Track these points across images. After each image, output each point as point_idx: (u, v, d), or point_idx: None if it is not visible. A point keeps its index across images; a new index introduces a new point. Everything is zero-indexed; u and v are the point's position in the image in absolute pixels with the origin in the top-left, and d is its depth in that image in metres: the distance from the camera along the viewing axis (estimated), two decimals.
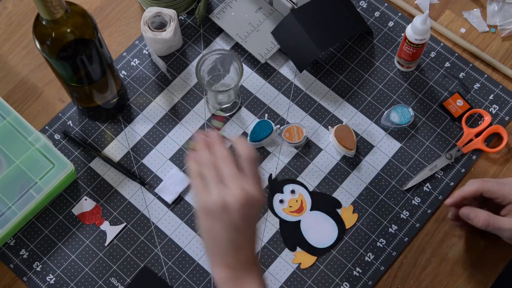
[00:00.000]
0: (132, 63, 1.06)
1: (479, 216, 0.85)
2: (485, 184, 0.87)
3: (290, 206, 0.97)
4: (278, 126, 1.01)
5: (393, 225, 0.96)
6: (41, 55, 0.94)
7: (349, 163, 1.00)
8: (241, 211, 0.68)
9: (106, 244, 0.96)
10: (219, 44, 1.07)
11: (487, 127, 1.00)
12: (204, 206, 0.70)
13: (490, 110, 1.03)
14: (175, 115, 1.03)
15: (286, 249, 0.95)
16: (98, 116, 1.02)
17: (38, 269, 0.95)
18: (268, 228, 0.96)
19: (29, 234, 0.96)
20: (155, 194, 0.98)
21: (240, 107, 1.03)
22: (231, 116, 1.03)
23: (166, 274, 0.94)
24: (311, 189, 0.98)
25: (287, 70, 1.06)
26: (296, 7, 1.03)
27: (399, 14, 1.09)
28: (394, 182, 0.99)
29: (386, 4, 1.10)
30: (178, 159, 1.00)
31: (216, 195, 0.69)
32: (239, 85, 1.04)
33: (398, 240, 0.96)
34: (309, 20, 1.02)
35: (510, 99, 1.03)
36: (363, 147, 1.01)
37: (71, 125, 1.02)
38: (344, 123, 1.01)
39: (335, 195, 0.98)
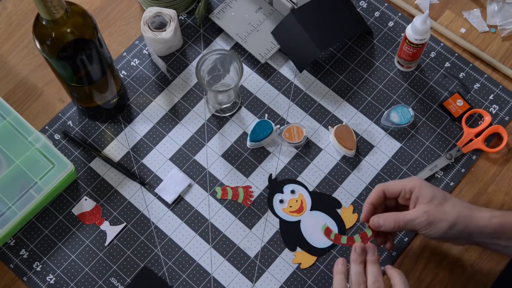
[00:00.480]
0: (132, 63, 1.06)
1: (388, 218, 0.84)
2: (385, 183, 0.87)
3: (290, 206, 0.97)
4: (278, 126, 1.01)
5: None
6: (41, 55, 0.94)
7: (349, 163, 1.00)
8: None
9: (106, 244, 0.96)
10: (219, 44, 1.07)
11: (487, 127, 1.00)
12: None
13: (490, 110, 1.03)
14: (175, 115, 1.03)
15: (286, 249, 0.95)
16: (98, 116, 1.02)
17: (38, 269, 0.95)
18: (268, 228, 0.97)
19: (29, 234, 0.96)
20: (155, 194, 0.98)
21: (240, 107, 1.04)
22: (231, 116, 1.03)
23: (166, 274, 0.94)
24: (311, 189, 0.98)
25: (287, 70, 1.06)
26: (296, 7, 1.03)
27: (399, 14, 1.09)
28: None
29: (386, 4, 1.10)
30: (178, 159, 1.00)
31: None
32: (239, 85, 1.04)
33: (399, 240, 0.96)
34: (309, 20, 1.02)
35: (510, 99, 1.03)
36: (363, 147, 1.01)
37: (71, 125, 1.02)
38: (344, 123, 1.01)
39: (335, 195, 0.98)
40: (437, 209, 0.82)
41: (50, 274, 0.94)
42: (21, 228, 0.96)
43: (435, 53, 1.06)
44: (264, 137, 0.99)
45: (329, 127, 1.02)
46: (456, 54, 1.06)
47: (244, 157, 1.00)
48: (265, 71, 1.06)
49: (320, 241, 0.95)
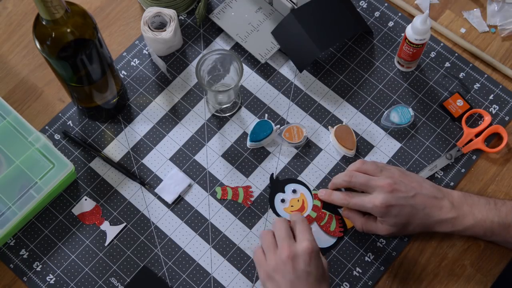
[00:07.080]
0: (132, 63, 1.06)
1: (356, 221, 0.93)
2: (354, 196, 0.92)
3: (292, 206, 0.97)
4: (278, 126, 1.01)
5: None
6: (41, 55, 0.94)
7: (349, 163, 1.00)
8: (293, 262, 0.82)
9: (106, 244, 0.96)
10: (219, 44, 1.07)
11: (487, 127, 1.00)
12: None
13: (490, 110, 1.03)
14: (175, 115, 1.03)
15: None
16: (98, 116, 1.02)
17: (38, 269, 0.95)
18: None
19: (29, 234, 0.96)
20: (155, 194, 0.98)
21: (240, 107, 1.04)
22: (231, 116, 1.03)
23: (166, 274, 0.94)
24: (312, 189, 0.98)
25: (287, 70, 1.06)
26: (296, 7, 1.03)
27: (399, 14, 1.09)
28: None
29: (386, 4, 1.10)
30: (178, 159, 1.00)
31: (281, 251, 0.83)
32: (239, 85, 1.04)
33: (398, 240, 0.96)
34: (309, 20, 1.02)
35: (510, 99, 1.03)
36: (363, 147, 1.01)
37: (71, 125, 1.02)
38: (344, 123, 1.01)
39: None
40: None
41: (50, 274, 0.94)
42: (21, 228, 0.96)
43: (435, 53, 1.06)
44: (264, 137, 0.99)
45: (329, 127, 1.02)
46: (456, 54, 1.06)
47: (244, 157, 1.00)
48: (265, 71, 1.06)
49: (321, 240, 0.95)
